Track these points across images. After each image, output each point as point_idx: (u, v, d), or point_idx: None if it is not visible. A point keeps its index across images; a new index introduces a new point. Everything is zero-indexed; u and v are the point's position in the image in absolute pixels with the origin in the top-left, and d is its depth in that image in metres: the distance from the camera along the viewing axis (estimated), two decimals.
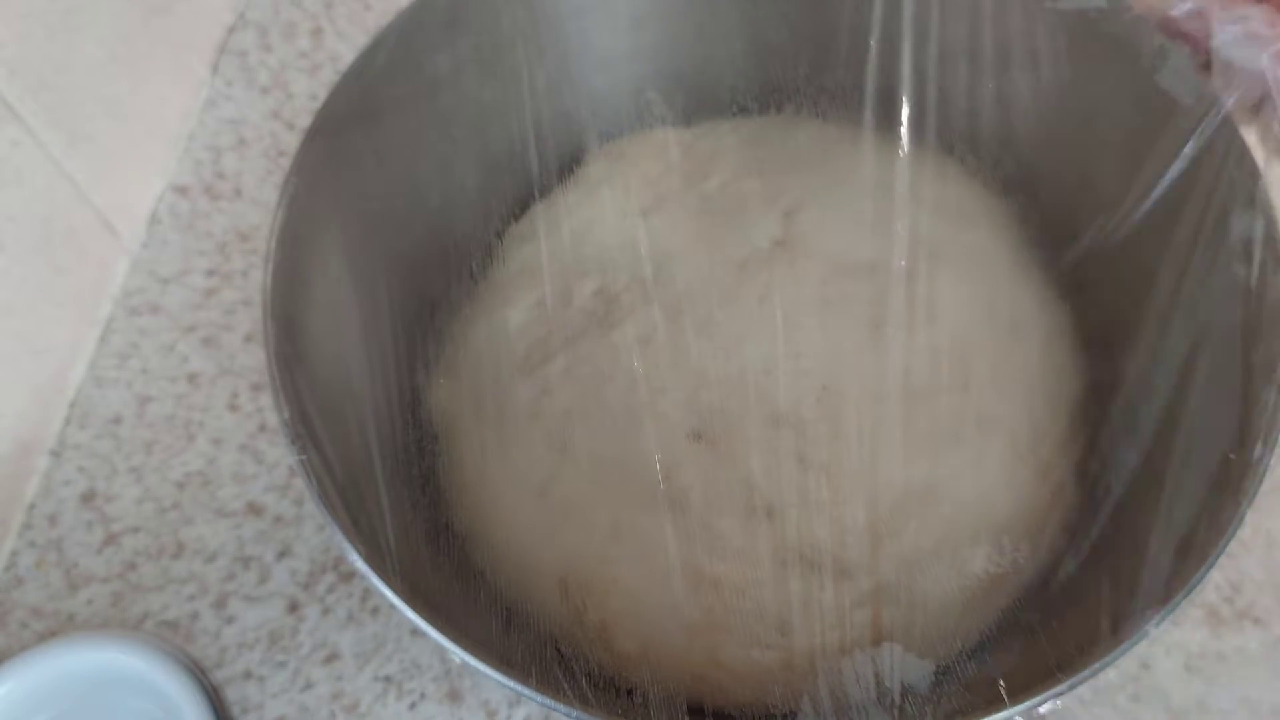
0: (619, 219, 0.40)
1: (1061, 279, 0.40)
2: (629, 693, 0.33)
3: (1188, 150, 0.34)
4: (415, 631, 0.38)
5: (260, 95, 0.50)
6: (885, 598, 0.32)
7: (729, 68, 0.43)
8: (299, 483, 0.41)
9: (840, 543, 0.33)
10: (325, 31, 0.52)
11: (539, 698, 0.24)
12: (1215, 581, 0.39)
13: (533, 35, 0.39)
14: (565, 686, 0.29)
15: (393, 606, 0.26)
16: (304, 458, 0.27)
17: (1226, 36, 0.22)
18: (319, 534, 0.40)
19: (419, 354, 0.39)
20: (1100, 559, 0.33)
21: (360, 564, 0.26)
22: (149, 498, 0.41)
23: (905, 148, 0.42)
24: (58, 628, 0.38)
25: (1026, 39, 0.38)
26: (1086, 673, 0.25)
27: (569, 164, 0.43)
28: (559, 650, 0.34)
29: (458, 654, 0.25)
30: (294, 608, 0.39)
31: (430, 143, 0.37)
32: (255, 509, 0.41)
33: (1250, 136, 0.32)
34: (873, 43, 0.41)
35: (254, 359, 0.43)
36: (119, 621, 0.38)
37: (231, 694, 0.37)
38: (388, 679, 0.38)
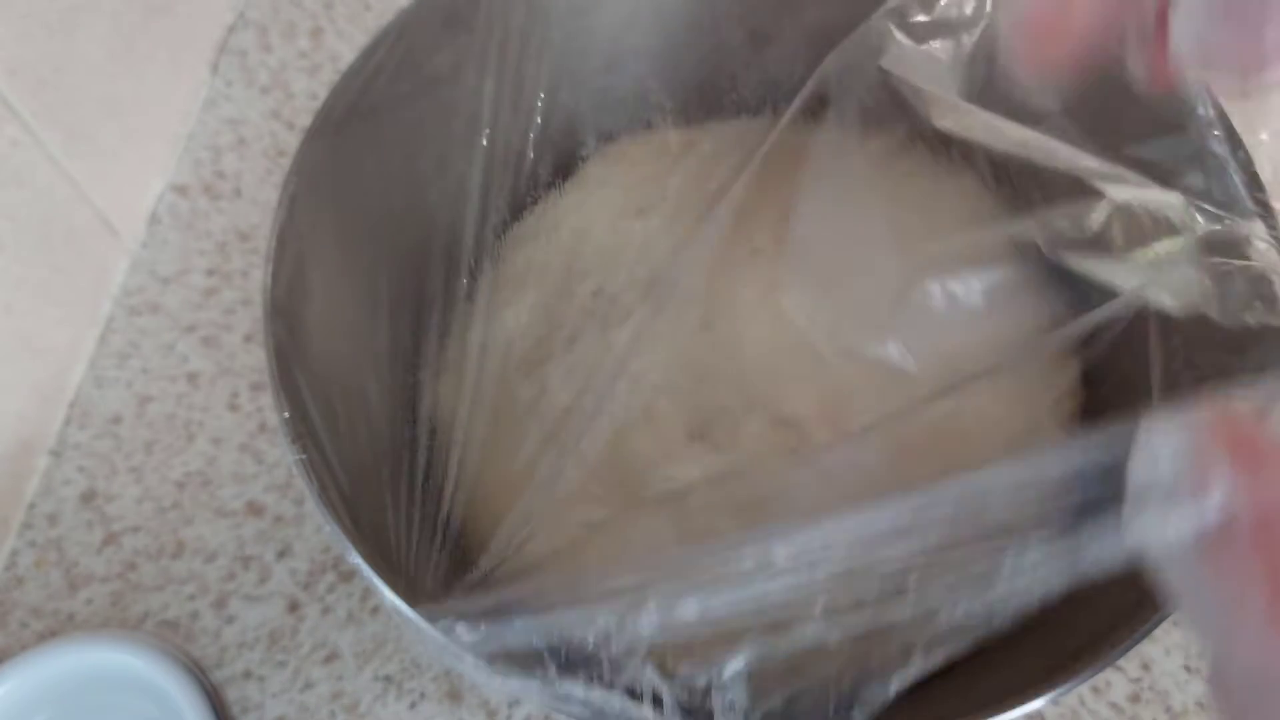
0: (619, 219, 0.40)
1: (1058, 275, 0.40)
2: (628, 692, 0.33)
3: (1188, 154, 0.34)
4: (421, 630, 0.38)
5: (260, 95, 0.50)
6: (885, 598, 0.32)
7: (729, 68, 0.43)
8: (299, 482, 0.41)
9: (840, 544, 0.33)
10: (325, 31, 0.52)
11: (540, 697, 0.24)
12: None
13: (532, 34, 0.39)
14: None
15: (393, 606, 0.26)
16: (304, 457, 0.27)
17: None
18: (319, 534, 0.40)
19: (418, 353, 0.39)
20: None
21: (360, 564, 0.26)
22: (149, 497, 0.41)
23: (904, 148, 0.42)
24: (58, 627, 0.38)
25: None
26: (1086, 673, 0.25)
27: (569, 163, 0.43)
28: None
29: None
30: (294, 607, 0.39)
31: (430, 142, 0.37)
32: (255, 509, 0.41)
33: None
34: (873, 44, 0.41)
35: (254, 359, 0.43)
36: (119, 621, 0.38)
37: (231, 694, 0.37)
38: (388, 678, 0.38)
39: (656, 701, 0.33)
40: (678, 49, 0.42)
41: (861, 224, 0.38)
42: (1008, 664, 0.31)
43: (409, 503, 0.35)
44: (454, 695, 0.37)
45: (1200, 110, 0.31)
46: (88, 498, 0.41)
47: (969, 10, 0.35)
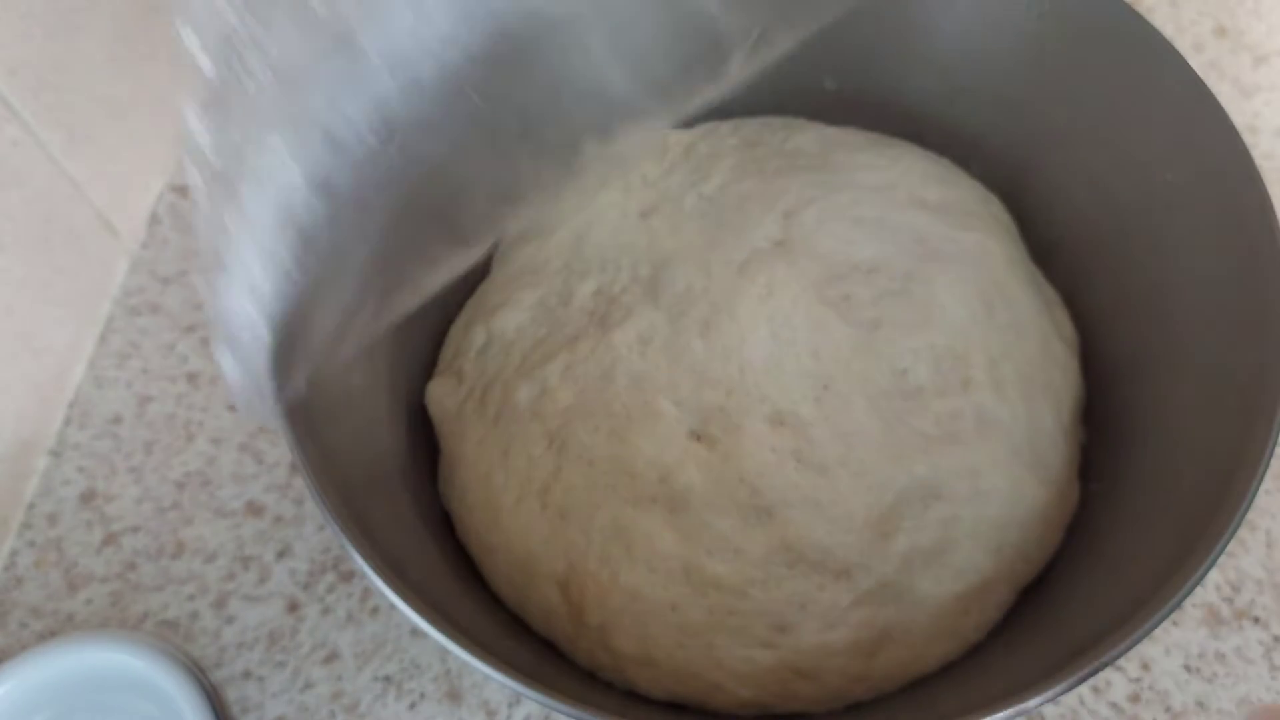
0: (619, 220, 0.40)
1: (1059, 279, 0.40)
2: (629, 693, 0.33)
3: (1188, 153, 0.34)
4: (415, 631, 0.38)
5: None
6: (884, 597, 0.32)
7: (729, 69, 0.43)
8: (299, 482, 0.41)
9: (839, 542, 0.33)
10: None
11: (539, 697, 0.24)
12: (1215, 581, 0.39)
13: (532, 35, 0.39)
14: (566, 686, 0.29)
15: (393, 606, 0.26)
16: (305, 457, 0.27)
17: None
18: (319, 534, 0.40)
19: (419, 353, 0.39)
20: (1099, 558, 0.33)
21: (360, 563, 0.26)
22: (149, 497, 0.41)
23: (905, 148, 0.42)
24: (57, 627, 0.38)
25: (1028, 41, 0.38)
26: (1086, 672, 0.25)
27: (569, 164, 0.43)
28: (559, 650, 0.34)
29: (459, 653, 0.25)
30: (294, 607, 0.39)
31: (429, 143, 0.37)
32: (255, 509, 0.41)
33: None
34: (874, 45, 0.41)
35: None
36: (119, 621, 0.38)
37: (231, 694, 0.37)
38: (387, 679, 0.38)
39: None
40: (678, 49, 0.42)
41: None
42: (1009, 663, 0.31)
43: (409, 503, 0.35)
44: (454, 695, 0.37)
45: None
46: (87, 498, 0.41)
47: None
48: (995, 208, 0.40)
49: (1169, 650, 0.38)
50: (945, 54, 0.40)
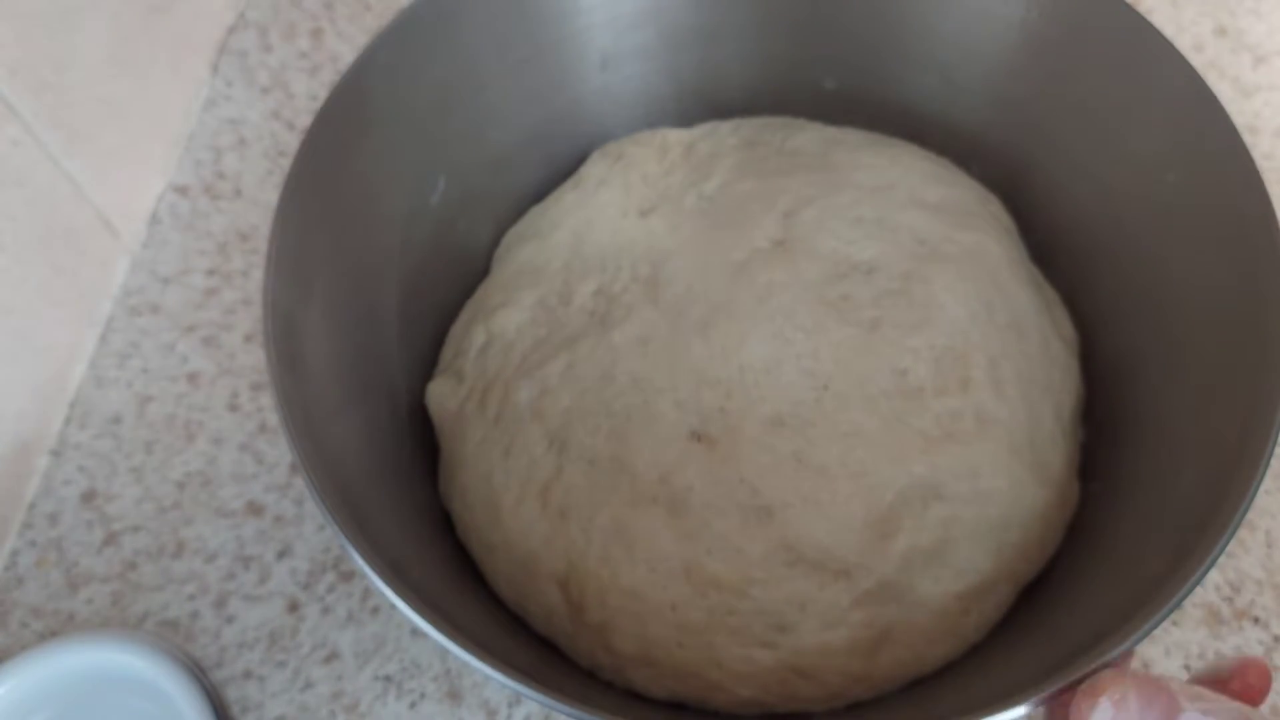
0: (619, 219, 0.40)
1: (1059, 278, 0.40)
2: (629, 692, 0.33)
3: (1188, 153, 0.34)
4: (415, 631, 0.38)
5: (260, 95, 0.50)
6: (884, 596, 0.32)
7: (730, 68, 0.43)
8: (299, 482, 0.41)
9: (839, 542, 0.33)
10: (325, 32, 0.52)
11: (539, 697, 0.24)
12: (1215, 581, 0.39)
13: (532, 34, 0.39)
14: (566, 686, 0.29)
15: (393, 606, 0.25)
16: (304, 457, 0.27)
17: None
18: (319, 534, 0.40)
19: (419, 353, 0.39)
20: (1099, 558, 0.33)
21: (360, 562, 0.26)
22: (149, 497, 0.41)
23: (904, 148, 0.42)
24: (58, 627, 0.38)
25: (1028, 41, 0.38)
26: (1086, 672, 0.25)
27: (569, 163, 0.43)
28: (559, 650, 0.34)
29: (459, 653, 0.25)
30: (294, 607, 0.39)
31: (431, 142, 0.37)
32: (255, 509, 0.41)
33: None
34: (874, 44, 0.41)
35: (254, 359, 0.43)
36: (119, 621, 0.38)
37: (231, 693, 0.37)
38: (388, 678, 0.38)
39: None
40: (677, 49, 0.42)
41: None
42: (1009, 663, 0.31)
43: (410, 503, 0.35)
44: (454, 695, 0.37)
45: None
46: (88, 498, 0.41)
47: None
48: (995, 208, 0.40)
49: (1169, 650, 0.38)
50: (945, 54, 0.40)
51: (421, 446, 0.38)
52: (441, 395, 0.37)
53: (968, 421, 0.34)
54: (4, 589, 0.39)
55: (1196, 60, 0.35)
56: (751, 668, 0.32)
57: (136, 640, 0.35)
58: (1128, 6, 0.35)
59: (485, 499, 0.35)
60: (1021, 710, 0.24)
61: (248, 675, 0.38)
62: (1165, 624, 0.27)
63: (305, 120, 0.49)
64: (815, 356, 0.35)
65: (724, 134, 0.43)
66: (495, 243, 0.42)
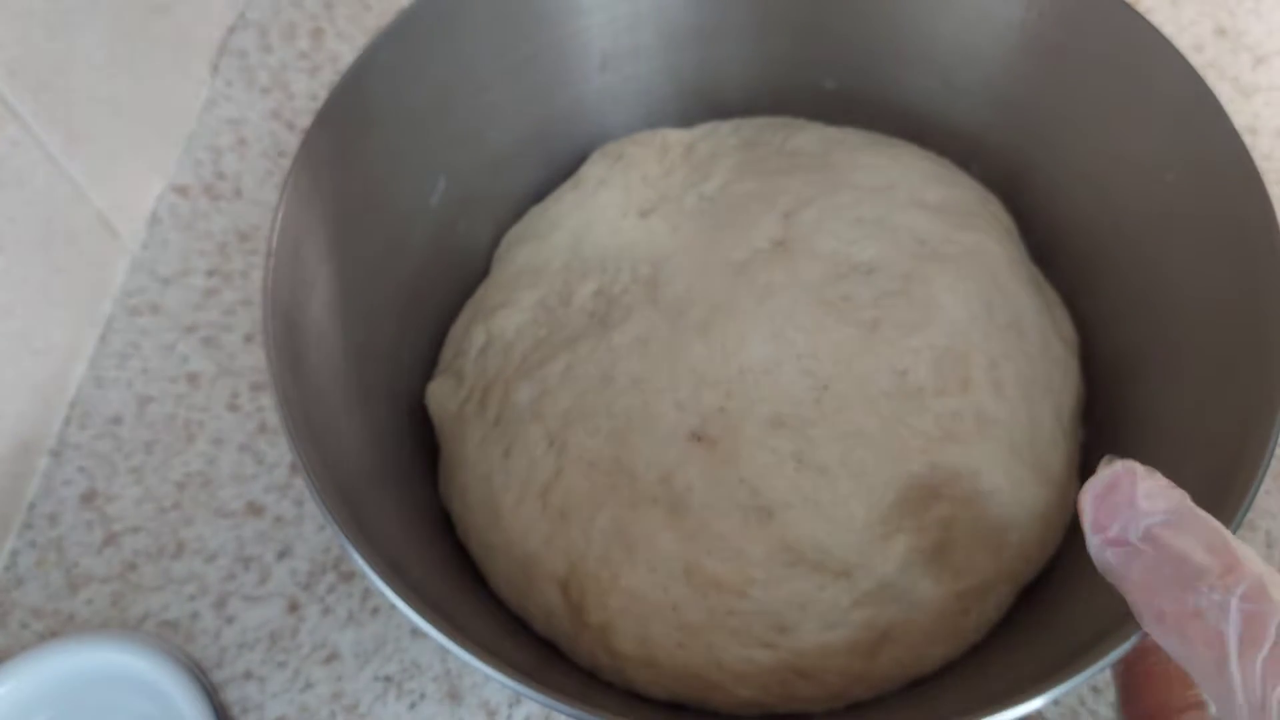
0: (618, 219, 0.40)
1: (1059, 278, 0.40)
2: (629, 692, 0.33)
3: (1188, 154, 0.34)
4: (415, 632, 0.38)
5: (260, 95, 0.50)
6: (885, 597, 0.32)
7: (729, 68, 0.43)
8: (299, 482, 0.41)
9: (839, 542, 0.32)
10: (325, 32, 0.52)
11: (540, 697, 0.24)
12: None
13: (532, 34, 0.39)
14: (566, 686, 0.29)
15: (393, 606, 0.26)
16: (305, 457, 0.27)
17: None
18: (319, 534, 0.40)
19: (419, 354, 0.39)
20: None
21: (360, 563, 0.26)
22: (149, 498, 0.41)
23: (904, 148, 0.42)
24: (58, 628, 0.38)
25: (1028, 42, 0.38)
26: (1087, 673, 0.25)
27: (569, 163, 0.43)
28: (559, 650, 0.34)
29: (459, 653, 0.25)
30: (294, 608, 0.39)
31: (431, 142, 0.37)
32: (255, 509, 0.41)
33: None
34: (874, 45, 0.41)
35: (254, 359, 0.43)
36: (119, 621, 0.38)
37: (231, 694, 0.37)
38: (388, 679, 0.38)
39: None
40: (677, 49, 0.42)
41: None
42: (1009, 663, 0.31)
43: (410, 504, 0.35)
44: (454, 695, 0.37)
45: None
46: (88, 498, 0.41)
47: None
48: (995, 207, 0.40)
49: None
50: (945, 54, 0.40)
51: (421, 447, 0.38)
52: (441, 396, 0.37)
53: (968, 422, 0.34)
54: (4, 589, 0.39)
55: (1196, 60, 0.35)
56: (752, 668, 0.32)
57: (136, 641, 0.35)
58: (1128, 7, 0.35)
59: (485, 500, 0.35)
60: (1022, 710, 0.24)
61: (248, 676, 0.38)
62: None
63: (305, 120, 0.49)
64: (815, 357, 0.35)
65: (724, 134, 0.43)
66: (495, 243, 0.42)
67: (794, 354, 0.35)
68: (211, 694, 0.36)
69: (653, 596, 0.32)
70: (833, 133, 0.42)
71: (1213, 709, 0.22)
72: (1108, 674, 0.37)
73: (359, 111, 0.34)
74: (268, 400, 0.43)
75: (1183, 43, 0.51)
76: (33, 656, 0.34)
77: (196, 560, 0.40)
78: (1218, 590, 0.21)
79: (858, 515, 0.33)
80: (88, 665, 0.35)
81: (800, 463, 0.33)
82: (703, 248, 0.38)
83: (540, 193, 0.42)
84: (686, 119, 0.43)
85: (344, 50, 0.51)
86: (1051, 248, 0.40)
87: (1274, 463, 0.28)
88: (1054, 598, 0.34)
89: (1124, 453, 0.35)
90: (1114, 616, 0.26)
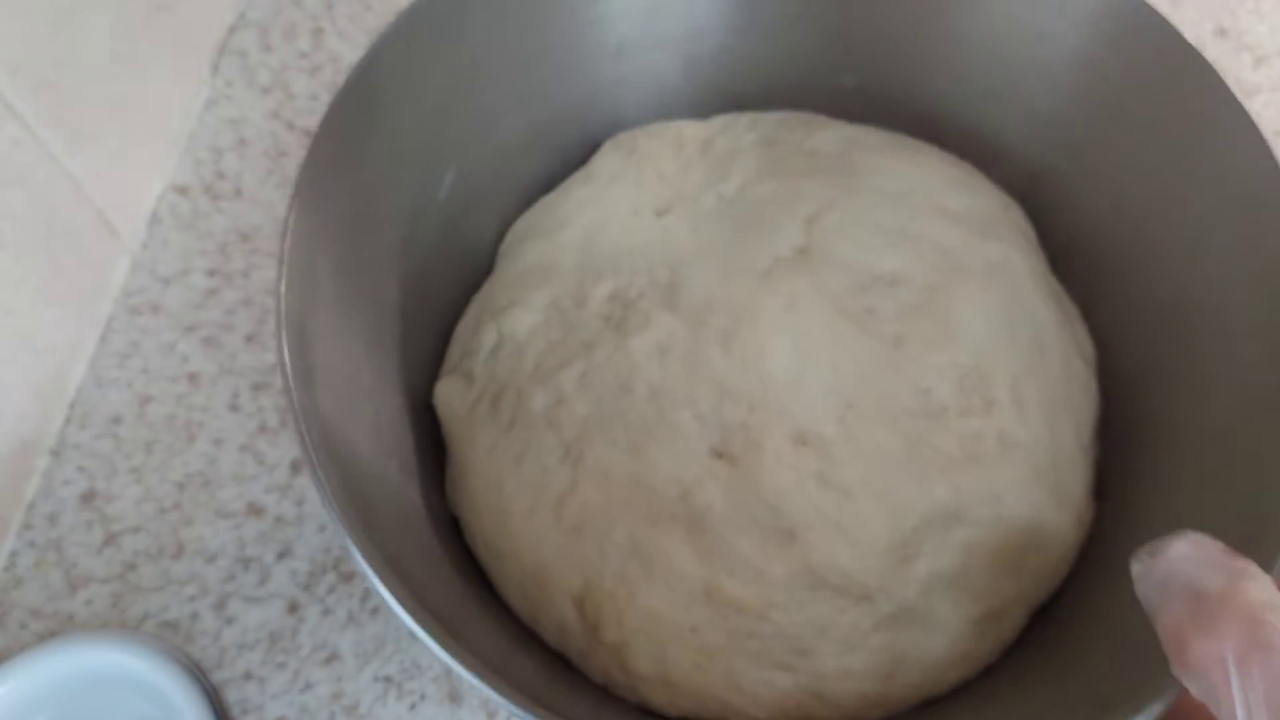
0: (633, 218, 0.39)
1: (1075, 287, 0.39)
2: (641, 708, 0.32)
3: (1220, 175, 0.33)
4: (416, 636, 0.38)
5: (260, 95, 0.50)
6: (904, 620, 0.32)
7: (749, 61, 0.42)
8: (299, 483, 0.41)
9: (862, 566, 0.32)
10: (326, 32, 0.52)
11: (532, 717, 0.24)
12: None
13: (549, 21, 0.38)
14: (577, 704, 0.28)
15: (398, 616, 0.25)
16: (318, 463, 0.26)
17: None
18: (319, 534, 0.40)
19: (425, 349, 0.38)
20: (1114, 582, 0.32)
21: (364, 567, 0.25)
22: (149, 498, 0.41)
23: (926, 151, 0.41)
24: (57, 628, 0.38)
25: (1062, 52, 0.37)
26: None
27: (579, 153, 0.41)
28: (569, 663, 0.33)
29: (470, 678, 0.24)
30: (294, 608, 0.39)
31: (440, 135, 0.36)
32: (255, 509, 0.40)
33: None
34: (899, 45, 0.40)
35: (254, 359, 0.43)
36: (119, 622, 0.38)
37: (231, 694, 0.37)
38: (388, 679, 0.38)
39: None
40: (697, 38, 0.40)
41: None
42: (1021, 686, 0.31)
43: (419, 508, 0.34)
44: (454, 696, 0.37)
45: None
46: (88, 498, 0.41)
47: None
48: (1017, 215, 0.40)
49: None
50: (970, 58, 0.39)
51: (428, 446, 0.37)
52: (450, 396, 0.37)
53: (990, 444, 0.34)
54: (3, 589, 0.39)
55: None
56: (770, 691, 0.31)
57: (136, 641, 0.35)
58: (1164, 23, 0.34)
59: (495, 506, 0.34)
60: None
61: (248, 676, 0.38)
62: None
63: (305, 120, 0.49)
64: (838, 373, 0.34)
65: (741, 129, 0.42)
66: (500, 236, 0.41)
67: (816, 369, 0.34)
68: (211, 695, 0.36)
69: (671, 617, 0.31)
70: (853, 132, 0.41)
71: None
72: None
73: (368, 110, 0.33)
74: (268, 400, 0.42)
75: None
76: (33, 656, 0.34)
77: (196, 561, 0.39)
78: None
79: (880, 538, 0.32)
80: (87, 665, 0.35)
81: (823, 482, 0.33)
82: (723, 252, 0.37)
83: (549, 184, 0.41)
84: (701, 110, 0.42)
85: (344, 50, 0.51)
86: (1070, 253, 0.39)
87: None
88: (1066, 618, 0.33)
89: (1137, 470, 0.34)
90: (1130, 643, 0.26)
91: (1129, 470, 0.35)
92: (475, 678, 0.24)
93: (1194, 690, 0.21)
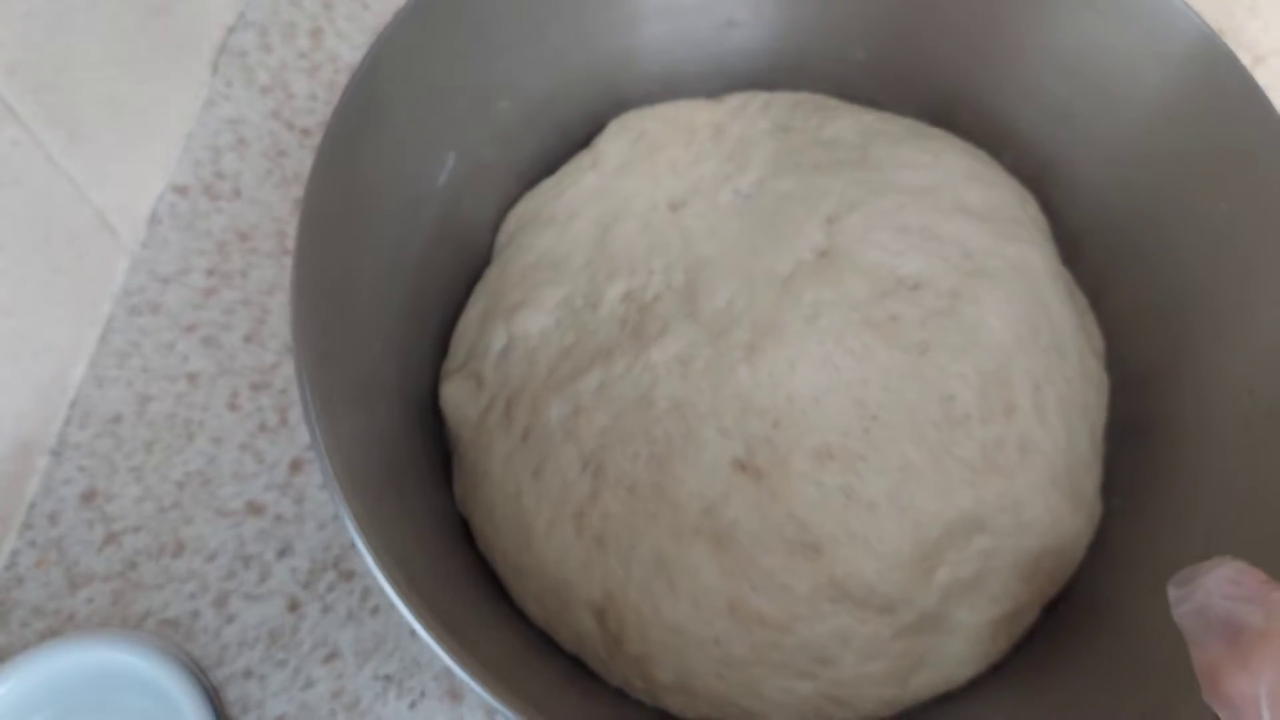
0: (647, 212, 0.38)
1: (1084, 279, 0.39)
2: (658, 710, 0.32)
3: (1245, 188, 0.33)
4: (415, 631, 0.38)
5: (260, 95, 0.50)
6: (923, 627, 0.32)
7: (759, 32, 0.41)
8: (299, 481, 0.41)
9: (885, 579, 0.32)
10: (325, 32, 0.52)
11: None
12: None
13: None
14: (594, 709, 0.28)
15: (403, 616, 0.25)
16: (329, 455, 0.26)
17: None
18: (319, 532, 0.40)
19: (427, 338, 0.37)
20: (1124, 578, 0.32)
21: (389, 589, 0.25)
22: (149, 497, 0.41)
23: (943, 140, 0.40)
24: (58, 627, 0.38)
25: (1076, 40, 0.37)
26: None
27: (581, 131, 0.41)
28: (584, 666, 0.33)
29: (477, 688, 0.24)
30: (294, 606, 0.39)
31: (443, 118, 0.36)
32: (255, 508, 0.41)
33: None
34: (912, 17, 0.39)
35: (254, 359, 0.43)
36: (119, 620, 0.38)
37: (232, 693, 0.37)
38: (388, 677, 0.38)
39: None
40: (707, 9, 0.39)
41: None
42: (1031, 683, 0.31)
43: (421, 500, 0.34)
44: (454, 694, 0.37)
45: None
46: (88, 497, 0.41)
47: None
48: (1032, 209, 0.39)
49: None
50: (983, 35, 0.38)
51: (431, 441, 0.37)
52: (460, 399, 0.36)
53: (1011, 451, 0.34)
54: (4, 589, 0.39)
55: None
56: (791, 698, 0.31)
57: (137, 640, 0.35)
58: (1200, 23, 0.33)
59: (515, 519, 0.33)
60: None
61: (248, 674, 0.38)
62: None
63: (305, 120, 0.49)
64: (864, 384, 0.34)
65: (753, 113, 0.41)
66: (500, 217, 0.40)
67: (843, 381, 0.34)
68: (212, 693, 0.36)
69: (695, 630, 0.31)
70: (869, 120, 0.40)
71: None
72: None
73: (378, 98, 0.32)
74: (267, 399, 0.43)
75: None
76: (33, 656, 0.34)
77: (197, 559, 0.40)
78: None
79: (904, 551, 0.32)
80: (88, 664, 0.35)
81: (849, 497, 0.33)
82: (743, 255, 0.36)
83: (549, 164, 0.40)
84: (706, 84, 0.41)
85: (343, 50, 0.51)
86: (1079, 243, 0.39)
87: None
88: (1075, 612, 0.33)
89: (1144, 467, 0.34)
90: (1137, 642, 0.26)
91: (1136, 463, 0.35)
92: (491, 695, 0.24)
93: (1224, 719, 0.22)
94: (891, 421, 0.34)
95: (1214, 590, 0.22)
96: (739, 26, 0.40)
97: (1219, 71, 0.33)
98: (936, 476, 0.33)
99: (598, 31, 0.39)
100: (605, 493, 0.33)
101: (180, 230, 0.46)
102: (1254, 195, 0.32)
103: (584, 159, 0.40)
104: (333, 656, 0.38)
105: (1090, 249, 0.39)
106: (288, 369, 0.43)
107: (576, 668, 0.33)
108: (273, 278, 0.45)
